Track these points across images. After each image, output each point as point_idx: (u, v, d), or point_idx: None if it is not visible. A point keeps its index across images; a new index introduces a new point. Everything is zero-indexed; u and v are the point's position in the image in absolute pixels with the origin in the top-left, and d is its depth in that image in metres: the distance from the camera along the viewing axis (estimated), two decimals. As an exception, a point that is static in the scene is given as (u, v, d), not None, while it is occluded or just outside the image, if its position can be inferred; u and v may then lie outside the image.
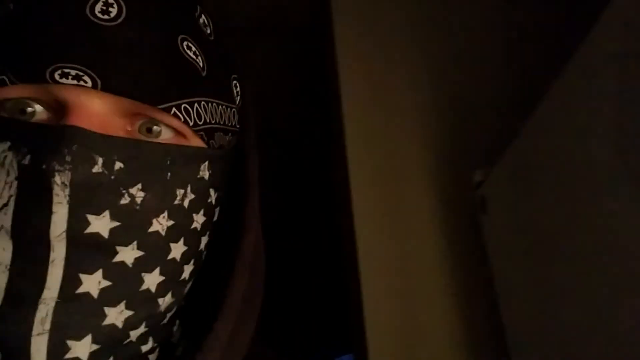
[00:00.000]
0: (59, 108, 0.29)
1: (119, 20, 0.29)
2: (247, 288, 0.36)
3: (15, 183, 0.27)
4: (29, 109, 0.29)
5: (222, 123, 0.35)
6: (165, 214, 0.31)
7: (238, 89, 0.38)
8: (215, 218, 0.36)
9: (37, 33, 0.28)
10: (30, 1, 0.29)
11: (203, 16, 0.35)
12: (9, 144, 0.28)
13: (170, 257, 0.32)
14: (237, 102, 0.38)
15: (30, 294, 0.27)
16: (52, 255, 0.27)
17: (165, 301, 0.32)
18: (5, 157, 0.28)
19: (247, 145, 0.39)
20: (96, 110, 0.29)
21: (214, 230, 0.37)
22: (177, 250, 0.32)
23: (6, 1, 0.30)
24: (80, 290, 0.28)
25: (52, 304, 0.27)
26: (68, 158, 0.27)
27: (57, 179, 0.27)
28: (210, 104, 0.33)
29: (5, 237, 0.27)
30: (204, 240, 0.35)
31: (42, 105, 0.29)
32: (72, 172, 0.27)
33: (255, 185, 0.38)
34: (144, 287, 0.30)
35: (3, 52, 0.29)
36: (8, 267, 0.27)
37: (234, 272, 0.35)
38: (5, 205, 0.27)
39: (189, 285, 0.35)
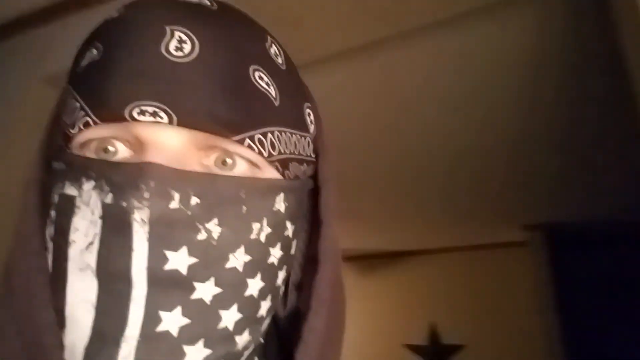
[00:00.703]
0: (138, 145, 0.30)
1: (193, 56, 0.30)
2: (326, 324, 0.34)
3: (99, 222, 0.28)
4: (111, 148, 0.30)
5: (296, 153, 0.35)
6: (242, 248, 0.30)
7: (312, 117, 0.38)
8: (292, 251, 0.35)
9: (115, 74, 0.29)
10: (110, 45, 0.31)
11: (274, 46, 0.35)
12: (93, 183, 0.29)
13: (247, 293, 0.31)
14: (312, 130, 0.38)
15: (114, 332, 0.27)
16: (133, 293, 0.28)
17: (242, 339, 0.32)
18: (90, 196, 0.29)
19: (322, 175, 0.38)
20: (172, 145, 0.29)
21: (291, 264, 0.36)
22: (254, 286, 0.31)
23: (91, 48, 0.32)
24: (160, 328, 0.28)
25: (134, 342, 0.27)
26: (146, 195, 0.27)
27: (137, 215, 0.27)
28: (283, 134, 0.33)
29: (91, 276, 0.28)
30: (281, 275, 0.34)
31: (123, 144, 0.30)
32: (150, 208, 0.27)
33: (331, 217, 0.37)
34: (222, 324, 0.30)
35: (88, 96, 0.30)
36: (94, 305, 0.28)
37: (310, 310, 0.34)
38: (91, 244, 0.28)
39: (266, 323, 0.34)
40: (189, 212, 0.28)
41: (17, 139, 1.16)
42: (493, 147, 1.61)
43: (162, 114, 0.28)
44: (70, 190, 0.29)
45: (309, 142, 0.37)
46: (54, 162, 0.32)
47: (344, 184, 1.95)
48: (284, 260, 0.34)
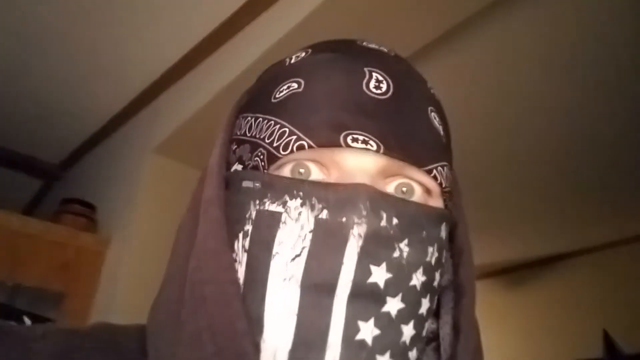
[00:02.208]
0: (334, 168, 0.33)
1: (389, 94, 0.34)
2: (476, 347, 0.36)
3: (309, 236, 0.31)
4: (302, 170, 0.34)
5: (452, 187, 0.38)
6: (421, 269, 0.33)
7: (451, 154, 0.41)
8: (442, 279, 0.37)
9: (325, 105, 0.33)
10: (313, 80, 0.34)
11: (433, 89, 0.39)
12: (300, 201, 0.32)
13: (420, 312, 0.33)
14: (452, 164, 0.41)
15: (318, 339, 0.30)
16: (335, 303, 0.30)
17: (413, 356, 0.33)
18: (300, 213, 0.32)
19: (458, 208, 0.40)
20: (372, 170, 0.33)
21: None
22: (424, 306, 0.34)
23: (288, 82, 0.35)
24: (359, 337, 0.30)
25: (338, 349, 0.30)
26: (364, 212, 0.30)
27: (355, 230, 0.30)
28: (448, 169, 0.36)
29: (295, 285, 0.31)
30: (435, 299, 0.36)
31: (316, 166, 0.34)
32: (366, 225, 0.30)
33: (470, 246, 0.39)
34: (402, 338, 0.32)
35: (299, 122, 0.33)
36: (296, 313, 0.30)
37: (462, 332, 0.35)
38: (298, 255, 0.31)
39: (424, 343, 0.36)
40: (391, 232, 0.31)
41: (138, 202, 1.35)
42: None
43: (372, 142, 0.32)
44: (274, 207, 0.32)
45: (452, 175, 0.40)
46: (245, 180, 0.34)
47: (477, 192, 1.87)
48: (439, 285, 0.36)
